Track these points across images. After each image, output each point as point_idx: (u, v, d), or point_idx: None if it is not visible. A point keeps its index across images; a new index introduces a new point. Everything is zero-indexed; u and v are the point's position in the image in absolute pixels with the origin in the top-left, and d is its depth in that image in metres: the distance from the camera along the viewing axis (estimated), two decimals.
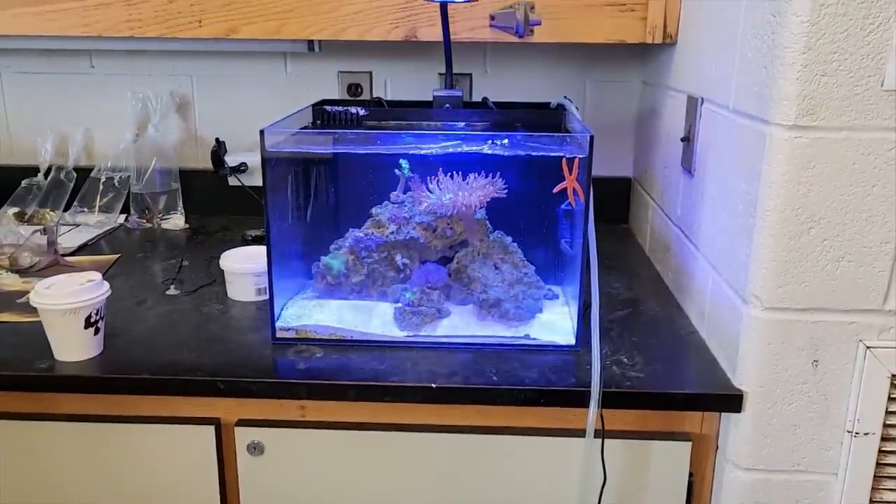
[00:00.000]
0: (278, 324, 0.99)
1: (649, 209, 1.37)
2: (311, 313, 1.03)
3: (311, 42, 1.43)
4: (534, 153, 0.93)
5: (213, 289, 1.19)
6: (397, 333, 0.99)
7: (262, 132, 0.93)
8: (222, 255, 1.16)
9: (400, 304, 1.02)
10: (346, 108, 1.17)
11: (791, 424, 0.86)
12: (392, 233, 1.05)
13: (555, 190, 0.93)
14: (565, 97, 1.20)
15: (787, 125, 0.77)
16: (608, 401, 0.86)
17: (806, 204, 0.79)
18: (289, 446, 0.94)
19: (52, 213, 1.55)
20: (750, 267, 0.84)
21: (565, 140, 0.93)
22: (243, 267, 1.12)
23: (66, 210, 1.57)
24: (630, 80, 1.53)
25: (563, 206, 1.03)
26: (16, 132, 1.64)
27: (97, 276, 0.95)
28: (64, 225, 1.53)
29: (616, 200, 1.57)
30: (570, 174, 0.92)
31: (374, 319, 1.02)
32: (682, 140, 1.11)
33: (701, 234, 1.04)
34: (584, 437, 0.87)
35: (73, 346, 0.93)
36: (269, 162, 0.96)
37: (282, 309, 1.04)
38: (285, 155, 1.00)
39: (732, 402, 0.86)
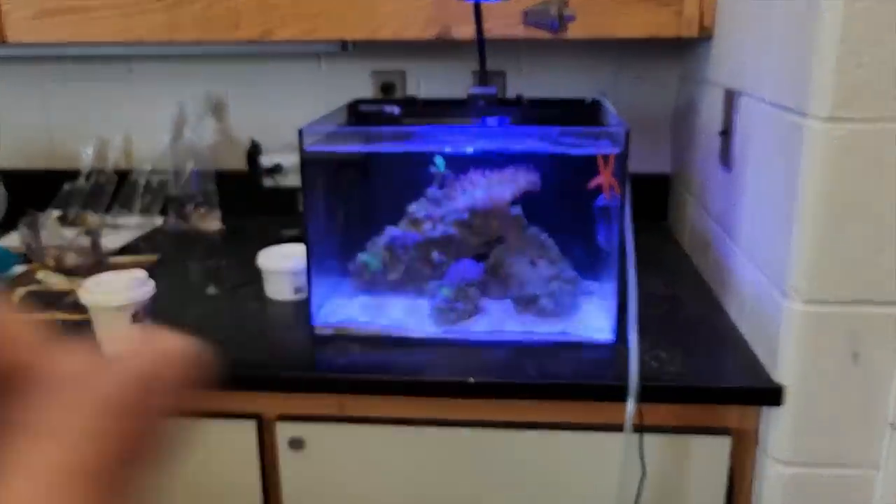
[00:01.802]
0: (316, 321, 1.01)
1: (687, 206, 1.36)
2: (348, 310, 1.04)
3: (344, 42, 1.44)
4: (568, 149, 0.93)
5: (252, 288, 1.20)
6: (434, 330, 1.00)
7: (300, 131, 0.94)
8: (260, 254, 1.17)
9: (436, 301, 1.02)
10: (380, 106, 1.19)
11: (832, 418, 0.85)
12: (428, 230, 1.06)
13: (590, 185, 0.93)
14: (601, 93, 1.20)
15: (824, 117, 0.76)
16: (646, 395, 0.86)
17: (845, 196, 0.78)
18: (329, 441, 0.95)
19: (93, 215, 1.59)
20: (789, 260, 0.83)
21: (600, 135, 0.93)
22: (281, 265, 1.14)
23: (106, 213, 1.60)
24: (666, 75, 1.52)
25: (599, 202, 1.03)
26: (58, 138, 1.69)
27: (142, 273, 0.97)
28: (104, 227, 1.57)
29: (654, 198, 1.55)
30: (606, 169, 0.91)
31: (411, 316, 1.02)
32: (720, 134, 1.10)
33: (740, 229, 1.03)
34: (622, 431, 0.87)
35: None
36: (308, 161, 0.97)
37: (320, 306, 1.05)
38: (323, 154, 1.02)
39: (772, 395, 0.85)
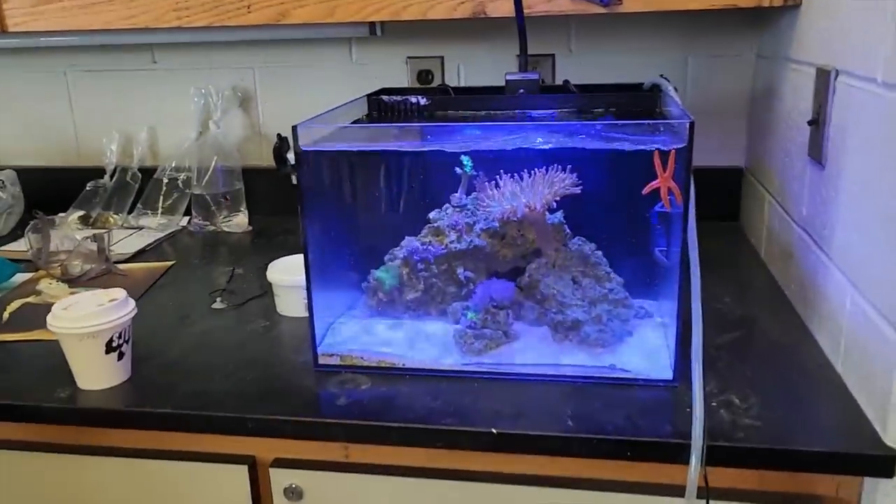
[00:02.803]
0: (321, 348, 0.86)
1: (765, 205, 1.16)
2: (359, 335, 0.90)
3: (372, 25, 1.29)
4: (618, 146, 0.76)
5: (263, 301, 1.07)
6: (456, 360, 0.84)
7: (294, 128, 0.80)
8: (269, 266, 1.04)
9: (460, 326, 0.87)
10: (405, 97, 1.03)
11: None
12: (453, 241, 0.90)
13: (645, 190, 0.76)
14: (661, 76, 1.01)
15: None
16: (715, 457, 0.68)
17: None
18: (331, 492, 0.81)
19: (115, 216, 1.49)
20: None
21: (658, 128, 0.75)
22: (291, 279, 1.00)
23: (129, 212, 1.50)
24: (741, 52, 1.31)
25: (657, 208, 0.85)
26: (82, 134, 1.60)
27: (121, 294, 0.85)
28: (127, 228, 1.47)
29: (725, 194, 1.35)
30: (665, 171, 0.74)
31: (430, 343, 0.87)
32: (810, 123, 0.90)
33: (834, 239, 0.83)
34: (682, 497, 0.69)
35: (94, 373, 0.83)
36: (306, 162, 0.83)
37: (327, 329, 0.91)
38: (325, 154, 0.87)
39: (882, 465, 0.66)
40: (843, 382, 0.78)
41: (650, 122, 0.77)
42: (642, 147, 0.75)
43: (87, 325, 0.80)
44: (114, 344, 0.83)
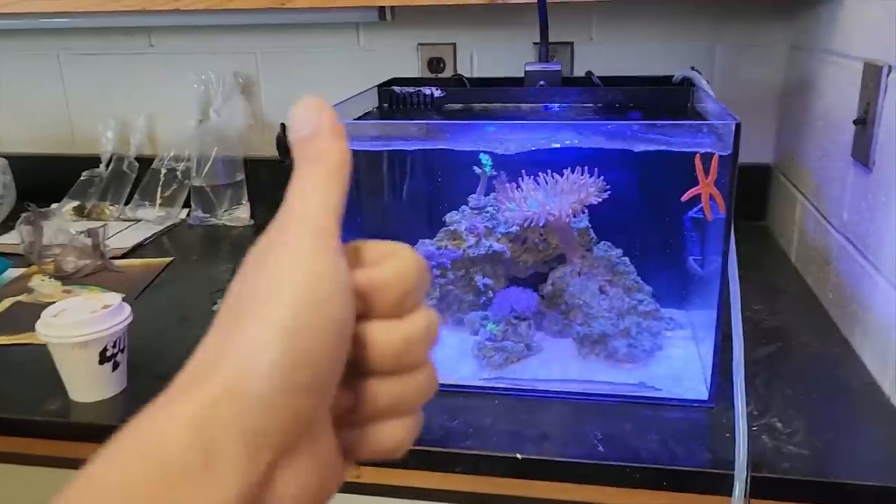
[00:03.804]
0: None
1: (797, 206, 1.10)
2: None
3: (381, 9, 1.23)
4: (655, 148, 0.70)
5: None
6: (475, 374, 0.79)
7: (282, 126, 0.73)
8: None
9: (479, 338, 0.81)
10: (418, 88, 0.97)
11: None
12: (470, 246, 0.84)
13: (684, 197, 0.70)
14: (693, 68, 0.95)
15: None
16: (758, 489, 0.63)
17: None
18: None
19: (111, 207, 1.43)
20: None
21: (701, 129, 0.69)
22: None
23: (126, 203, 1.44)
24: (773, 43, 1.24)
25: (691, 214, 0.79)
26: (77, 120, 1.53)
27: (116, 298, 0.79)
28: (123, 220, 1.41)
29: (751, 193, 1.29)
30: (707, 176, 0.67)
31: (447, 355, 0.81)
32: (856, 123, 0.84)
33: (882, 248, 0.78)
34: None
35: (87, 384, 0.78)
36: None
37: None
38: None
39: None
40: (892, 404, 0.73)
41: (693, 122, 0.70)
42: (682, 150, 0.69)
43: (78, 335, 0.74)
44: (108, 354, 0.77)
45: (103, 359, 0.77)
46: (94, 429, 0.75)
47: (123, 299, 0.78)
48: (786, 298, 1.00)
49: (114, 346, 0.77)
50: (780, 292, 1.01)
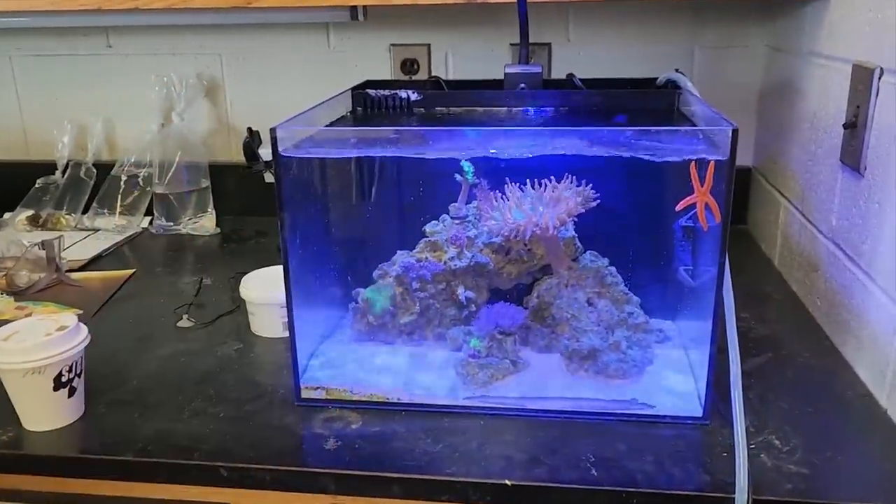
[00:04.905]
0: (304, 379, 0.76)
1: (780, 210, 1.08)
2: (346, 364, 0.79)
3: (353, 9, 1.18)
4: (646, 154, 0.66)
5: (235, 318, 0.96)
6: (458, 393, 0.75)
7: (272, 131, 0.69)
8: (243, 280, 0.93)
9: (462, 354, 0.77)
10: (393, 91, 0.93)
11: None
12: (452, 258, 0.80)
13: (679, 206, 0.66)
14: (677, 70, 0.92)
15: None
16: None
17: None
18: None
19: (68, 216, 1.36)
20: None
21: (696, 136, 0.66)
22: (268, 296, 0.89)
23: (84, 212, 1.37)
24: (752, 44, 1.22)
25: (681, 222, 0.76)
26: (31, 124, 1.46)
27: (72, 320, 0.73)
28: (81, 230, 1.34)
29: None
30: (703, 185, 0.64)
31: (429, 373, 0.77)
32: (846, 127, 0.82)
33: (876, 258, 0.75)
34: None
35: (41, 412, 0.72)
36: (287, 168, 0.72)
37: (310, 357, 0.81)
38: (307, 161, 0.77)
39: None
40: (890, 417, 0.71)
41: (688, 128, 0.67)
42: (674, 156, 0.66)
43: (31, 360, 0.69)
44: (63, 379, 0.71)
45: (58, 385, 0.71)
46: (50, 461, 0.70)
47: (81, 317, 0.72)
48: (772, 306, 0.97)
49: (70, 371, 0.72)
50: (765, 299, 0.99)
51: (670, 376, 0.76)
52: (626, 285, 0.81)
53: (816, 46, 0.95)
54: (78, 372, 0.73)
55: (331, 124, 0.85)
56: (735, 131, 0.63)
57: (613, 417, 0.72)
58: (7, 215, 1.36)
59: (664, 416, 0.71)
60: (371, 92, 0.93)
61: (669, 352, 0.80)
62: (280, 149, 0.70)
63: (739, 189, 1.26)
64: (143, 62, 1.38)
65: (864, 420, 0.71)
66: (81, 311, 0.99)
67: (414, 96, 0.92)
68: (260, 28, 1.33)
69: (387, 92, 0.93)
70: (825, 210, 0.90)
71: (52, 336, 0.71)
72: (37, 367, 0.69)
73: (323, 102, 0.85)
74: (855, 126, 0.80)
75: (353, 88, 0.94)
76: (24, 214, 1.36)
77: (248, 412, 0.75)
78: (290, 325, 0.74)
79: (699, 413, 0.71)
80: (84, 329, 0.74)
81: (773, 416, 0.71)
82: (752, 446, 0.67)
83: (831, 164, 0.88)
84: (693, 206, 0.66)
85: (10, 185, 1.40)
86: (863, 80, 0.79)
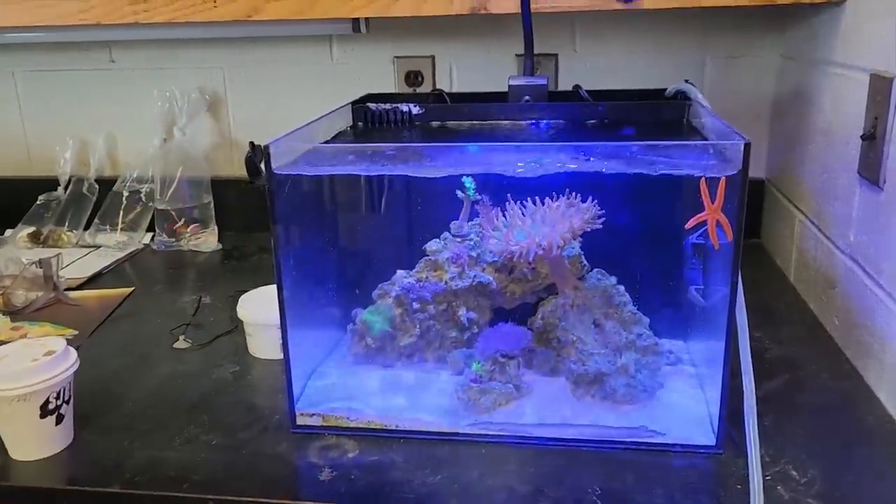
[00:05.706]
0: (300, 405, 0.73)
1: (795, 224, 1.04)
2: (343, 388, 0.77)
3: (355, 21, 1.16)
4: (655, 170, 0.63)
5: (233, 339, 0.94)
6: (458, 419, 0.72)
7: (265, 148, 0.67)
8: (241, 300, 0.91)
9: (463, 378, 0.74)
10: (395, 105, 0.90)
11: None
12: (453, 278, 0.77)
13: (689, 224, 0.63)
14: (687, 81, 0.89)
15: None
16: None
17: None
18: None
19: (69, 233, 1.35)
20: None
21: (707, 150, 0.63)
22: (265, 317, 0.87)
23: (86, 229, 1.36)
24: (764, 54, 1.19)
25: (691, 239, 0.73)
26: (34, 140, 1.45)
27: (60, 344, 0.71)
28: (82, 246, 1.33)
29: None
30: (714, 202, 0.61)
31: (428, 398, 0.74)
32: (864, 138, 0.78)
33: None
34: None
35: (27, 441, 0.70)
36: (281, 186, 0.70)
37: (307, 380, 0.78)
38: (303, 178, 0.74)
39: None
40: None
41: (697, 142, 0.64)
42: (684, 171, 0.63)
43: (17, 386, 0.66)
44: (50, 406, 0.69)
45: (45, 412, 0.69)
46: (35, 492, 0.67)
47: (76, 337, 0.70)
48: (788, 324, 0.94)
49: (57, 398, 0.69)
50: (781, 317, 0.96)
51: (681, 401, 0.73)
52: (634, 305, 0.77)
53: (831, 55, 0.92)
54: (66, 398, 0.71)
55: (331, 139, 0.83)
56: (748, 146, 0.60)
57: (621, 446, 0.68)
58: (8, 232, 1.35)
59: (674, 445, 0.68)
60: (371, 106, 0.91)
61: (680, 375, 0.77)
62: (274, 166, 0.67)
63: (752, 202, 1.22)
64: (145, 77, 1.37)
65: (886, 448, 0.68)
66: (77, 332, 0.97)
67: (415, 110, 0.90)
68: (262, 41, 1.31)
69: (388, 106, 0.91)
70: (842, 225, 0.86)
71: (38, 362, 0.68)
72: (22, 395, 0.67)
73: (322, 117, 0.83)
74: (874, 137, 0.77)
75: (354, 102, 0.92)
76: (25, 231, 1.34)
77: (241, 440, 0.72)
78: (285, 349, 0.71)
79: (712, 441, 0.67)
80: (73, 353, 0.72)
81: (790, 445, 0.68)
82: (768, 477, 0.63)
83: (848, 177, 0.84)
84: (703, 223, 0.63)
85: (12, 202, 1.38)
86: (881, 89, 0.75)
